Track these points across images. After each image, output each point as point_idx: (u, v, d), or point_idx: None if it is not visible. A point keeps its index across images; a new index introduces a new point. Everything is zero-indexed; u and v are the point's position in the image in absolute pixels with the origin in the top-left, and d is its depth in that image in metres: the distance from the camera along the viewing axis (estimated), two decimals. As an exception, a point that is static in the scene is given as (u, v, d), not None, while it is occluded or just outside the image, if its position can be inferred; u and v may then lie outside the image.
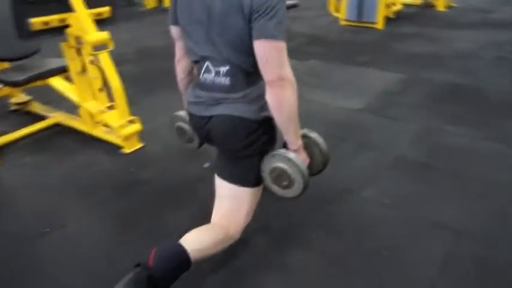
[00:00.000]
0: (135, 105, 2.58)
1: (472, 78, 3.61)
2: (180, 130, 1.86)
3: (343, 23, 5.66)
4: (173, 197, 2.11)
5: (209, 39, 1.38)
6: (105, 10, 2.52)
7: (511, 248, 1.69)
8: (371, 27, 5.39)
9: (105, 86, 2.55)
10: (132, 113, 2.56)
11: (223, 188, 1.59)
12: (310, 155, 1.58)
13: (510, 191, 2.06)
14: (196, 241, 1.45)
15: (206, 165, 2.36)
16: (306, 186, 1.45)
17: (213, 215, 1.60)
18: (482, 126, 2.74)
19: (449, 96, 3.23)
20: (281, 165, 1.45)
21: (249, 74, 1.41)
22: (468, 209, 1.93)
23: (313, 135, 1.62)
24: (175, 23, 1.50)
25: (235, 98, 1.42)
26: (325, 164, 1.66)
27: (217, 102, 1.45)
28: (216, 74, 1.43)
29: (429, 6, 6.49)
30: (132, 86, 2.51)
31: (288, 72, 1.30)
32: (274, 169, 1.47)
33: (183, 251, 1.38)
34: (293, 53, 4.53)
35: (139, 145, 2.57)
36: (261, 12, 1.25)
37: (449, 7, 6.44)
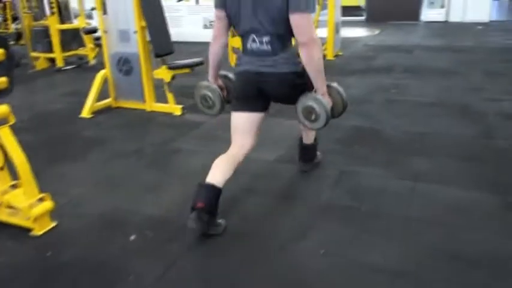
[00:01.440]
0: (40, 179, 2.34)
1: (371, 121, 3.94)
2: (204, 98, 2.38)
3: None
4: (103, 276, 1.91)
5: (254, 16, 1.97)
6: (1, 81, 2.29)
7: (445, 285, 1.80)
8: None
9: (7, 161, 2.29)
10: (39, 189, 2.31)
11: (243, 119, 2.26)
12: (334, 100, 2.20)
13: (430, 227, 2.23)
14: (221, 173, 2.16)
15: (132, 237, 2.22)
16: (327, 122, 2.11)
17: (232, 144, 2.31)
18: (390, 165, 2.98)
19: (357, 139, 3.47)
20: (311, 103, 2.09)
21: (284, 41, 2.05)
22: (398, 249, 2.04)
23: (335, 84, 2.25)
24: (223, 6, 2.06)
25: (276, 60, 2.05)
26: (345, 107, 2.30)
27: (266, 63, 2.07)
28: (260, 43, 2.04)
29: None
30: (33, 158, 2.29)
31: (315, 35, 1.95)
32: (306, 107, 2.12)
33: (213, 187, 2.10)
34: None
35: (52, 224, 2.31)
36: None
37: (337, 56, 7.07)
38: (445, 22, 10.93)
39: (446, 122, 3.84)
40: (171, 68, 4.10)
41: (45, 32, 6.82)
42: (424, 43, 8.16)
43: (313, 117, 2.13)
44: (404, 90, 4.91)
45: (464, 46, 7.59)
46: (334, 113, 2.26)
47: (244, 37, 2.10)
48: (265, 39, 2.03)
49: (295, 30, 1.96)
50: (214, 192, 2.10)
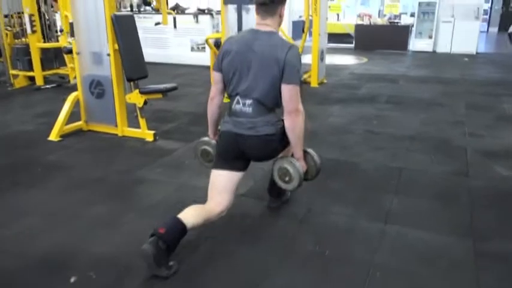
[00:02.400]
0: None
1: (349, 153, 3.82)
2: (205, 152, 2.61)
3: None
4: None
5: (245, 81, 2.15)
6: None
7: None
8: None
9: None
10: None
11: (222, 177, 2.31)
12: (308, 165, 2.36)
13: (394, 276, 2.08)
14: (192, 216, 2.14)
15: (72, 280, 2.05)
16: (300, 184, 2.27)
17: (209, 200, 2.30)
18: (362, 203, 2.84)
19: (332, 173, 3.34)
20: (286, 166, 2.26)
21: (265, 106, 2.19)
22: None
23: (310, 150, 2.39)
24: (219, 70, 2.24)
25: (257, 122, 2.18)
26: (317, 173, 2.43)
27: (247, 126, 2.19)
28: (243, 105, 2.19)
29: (304, 82, 7.01)
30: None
31: (300, 106, 2.15)
32: (281, 168, 2.29)
33: (180, 222, 2.06)
34: (175, 134, 4.42)
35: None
36: (290, 64, 2.10)
37: (321, 83, 7.01)
38: (433, 52, 11.00)
39: (424, 157, 3.73)
40: (142, 92, 3.97)
41: (25, 50, 6.70)
42: (409, 73, 8.15)
43: (287, 178, 2.30)
44: (386, 122, 4.82)
45: (449, 78, 7.58)
46: (308, 176, 2.41)
47: (231, 98, 2.27)
48: (248, 102, 2.19)
49: (284, 99, 2.16)
50: (180, 227, 2.07)
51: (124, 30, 3.89)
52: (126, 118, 4.27)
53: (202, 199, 2.34)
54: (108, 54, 3.98)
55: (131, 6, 9.87)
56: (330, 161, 3.60)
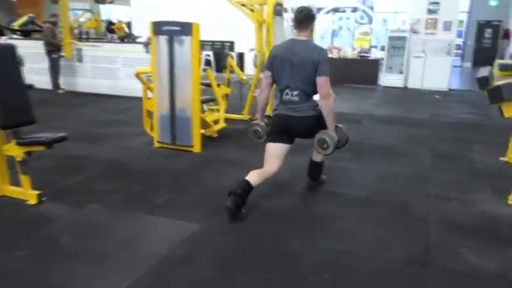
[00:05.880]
0: None
1: (282, 227, 3.01)
2: (255, 131, 3.33)
3: (156, 144, 4.92)
4: None
5: (290, 77, 3.06)
6: None
7: None
8: (187, 151, 4.73)
9: None
10: None
11: (275, 147, 3.21)
12: (339, 135, 3.19)
13: None
14: (254, 177, 3.07)
15: None
16: (334, 149, 3.10)
17: (265, 164, 3.22)
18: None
19: (248, 260, 2.51)
20: (324, 136, 3.09)
21: (307, 95, 3.11)
22: None
23: (341, 125, 3.32)
24: (270, 69, 3.16)
25: (302, 106, 3.10)
26: (346, 141, 3.41)
27: (294, 110, 3.11)
28: (291, 95, 3.09)
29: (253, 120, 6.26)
30: None
31: (330, 91, 3.04)
32: (320, 139, 3.10)
33: (249, 183, 3.02)
34: (71, 194, 3.47)
35: None
36: (321, 63, 2.99)
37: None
38: (404, 88, 10.45)
39: (376, 233, 2.95)
40: (21, 144, 3.11)
41: None
42: (376, 112, 7.49)
43: (325, 145, 3.08)
44: (339, 177, 4.03)
45: (418, 118, 6.94)
46: (339, 144, 3.21)
47: (282, 91, 3.14)
48: (295, 92, 3.07)
49: (318, 87, 3.00)
50: (249, 186, 3.01)
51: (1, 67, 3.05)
52: (7, 173, 3.38)
53: None
54: (-21, 95, 3.13)
55: (80, 33, 9.10)
56: (252, 239, 2.78)
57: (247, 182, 3.00)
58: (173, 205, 3.36)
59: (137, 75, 5.04)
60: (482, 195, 3.63)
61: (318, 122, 3.12)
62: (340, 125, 3.29)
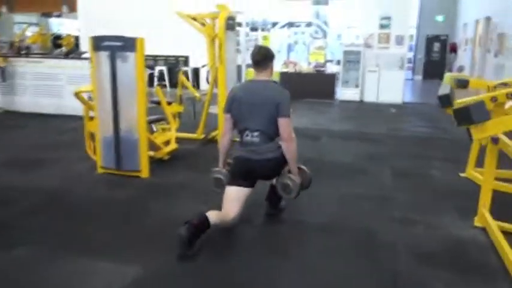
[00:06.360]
0: None
1: (231, 267, 2.68)
2: (217, 179, 3.19)
3: (100, 170, 4.47)
4: None
5: (250, 118, 2.96)
6: None
7: None
8: (134, 176, 4.32)
9: None
10: None
11: (234, 191, 3.00)
12: (302, 178, 3.10)
13: None
14: (213, 216, 2.82)
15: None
16: (297, 194, 3.07)
17: (223, 208, 2.97)
18: None
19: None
20: (287, 181, 3.03)
21: (268, 136, 2.99)
22: None
23: (303, 167, 3.21)
24: (229, 112, 3.06)
25: (262, 148, 2.97)
26: (309, 183, 3.27)
27: (255, 152, 2.97)
28: (251, 136, 2.99)
29: (209, 140, 5.93)
30: None
31: (292, 134, 2.98)
32: (283, 183, 3.05)
33: (207, 219, 2.77)
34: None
35: None
36: (282, 103, 2.92)
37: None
38: (360, 102, 10.47)
39: (338, 268, 2.68)
40: None
41: None
42: (334, 127, 7.35)
43: (288, 190, 3.06)
44: (299, 203, 3.65)
45: (376, 133, 6.84)
46: (302, 186, 3.12)
47: (241, 132, 3.07)
48: (255, 133, 3.00)
49: (280, 129, 2.95)
50: (206, 222, 2.78)
51: None
52: None
53: None
54: None
55: (19, 48, 8.44)
56: (205, 280, 2.42)
57: (206, 217, 2.77)
58: (114, 244, 2.96)
59: (76, 95, 4.61)
60: (447, 217, 3.46)
61: (279, 164, 3.05)
62: (303, 167, 3.19)
